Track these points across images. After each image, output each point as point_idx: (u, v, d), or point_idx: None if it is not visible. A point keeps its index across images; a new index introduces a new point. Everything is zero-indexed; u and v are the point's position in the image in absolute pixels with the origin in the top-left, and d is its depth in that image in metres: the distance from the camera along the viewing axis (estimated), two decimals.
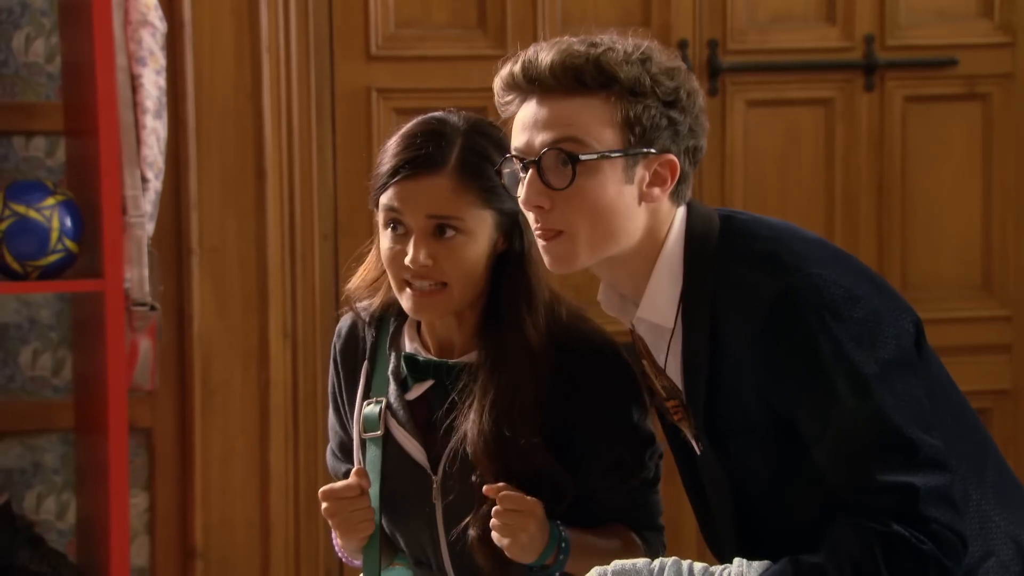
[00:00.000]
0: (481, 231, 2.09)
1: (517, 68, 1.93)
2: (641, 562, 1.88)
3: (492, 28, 3.76)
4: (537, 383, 2.08)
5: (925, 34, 3.94)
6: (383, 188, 2.10)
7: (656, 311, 1.96)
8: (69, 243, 3.31)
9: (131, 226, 3.38)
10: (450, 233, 2.07)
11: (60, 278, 3.36)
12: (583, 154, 1.89)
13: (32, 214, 3.28)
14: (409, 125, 2.14)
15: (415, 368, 2.16)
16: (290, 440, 3.69)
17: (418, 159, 2.07)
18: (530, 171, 1.92)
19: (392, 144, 2.12)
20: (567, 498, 2.09)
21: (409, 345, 2.19)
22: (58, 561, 3.49)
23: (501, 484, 2.06)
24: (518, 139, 1.95)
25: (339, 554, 2.26)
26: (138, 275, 3.33)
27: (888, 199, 3.93)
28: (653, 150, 1.91)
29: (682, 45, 3.82)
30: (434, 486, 2.15)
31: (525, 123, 1.94)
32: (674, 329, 1.95)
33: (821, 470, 1.88)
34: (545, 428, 2.09)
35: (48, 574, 3.46)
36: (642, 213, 1.94)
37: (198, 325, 3.66)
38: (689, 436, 2.00)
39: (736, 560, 1.88)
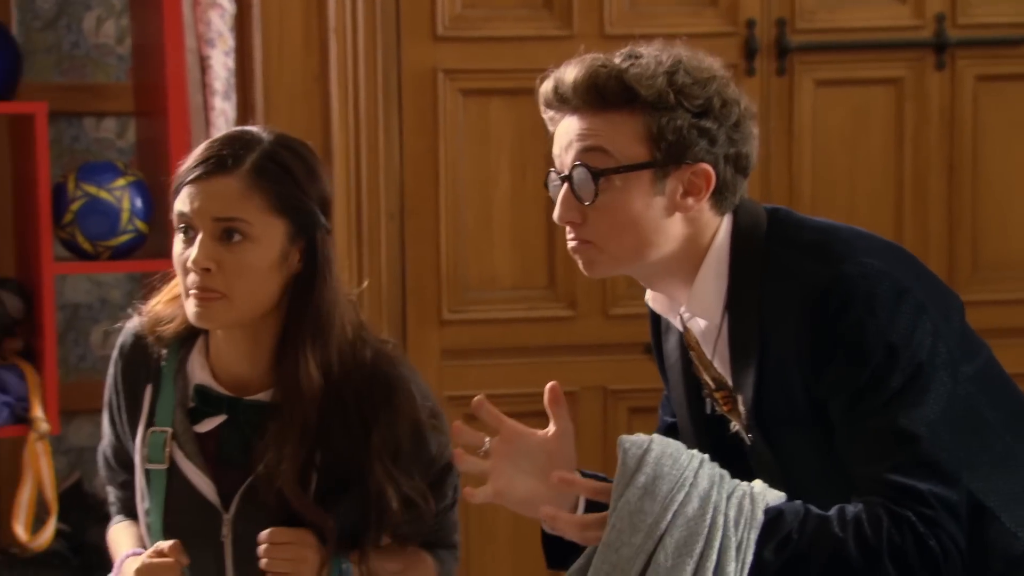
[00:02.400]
0: (269, 239, 2.03)
1: (550, 86, 1.97)
2: (682, 451, 1.88)
3: (558, 8, 3.75)
4: (327, 413, 2.04)
5: (996, 12, 3.88)
6: (176, 192, 2.07)
7: (702, 307, 1.97)
8: (139, 223, 3.34)
9: None
10: (237, 238, 2.02)
11: (130, 258, 3.39)
12: (606, 169, 1.91)
13: (103, 195, 3.31)
14: (218, 134, 2.13)
15: (206, 401, 2.10)
16: None
17: (211, 159, 2.05)
18: (564, 186, 1.95)
19: (195, 150, 2.10)
20: (362, 541, 2.07)
21: (199, 375, 2.12)
22: None
23: (269, 530, 2.02)
24: (556, 156, 1.98)
25: None
26: None
27: (959, 179, 3.89)
28: (683, 161, 1.92)
29: (750, 24, 3.80)
30: (224, 522, 2.09)
31: (559, 140, 1.97)
32: (721, 324, 1.96)
33: (841, 457, 1.89)
34: (336, 469, 2.06)
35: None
36: (676, 223, 1.95)
37: None
38: (739, 427, 2.01)
39: (757, 481, 1.90)
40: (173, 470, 2.12)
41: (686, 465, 1.86)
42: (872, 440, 1.86)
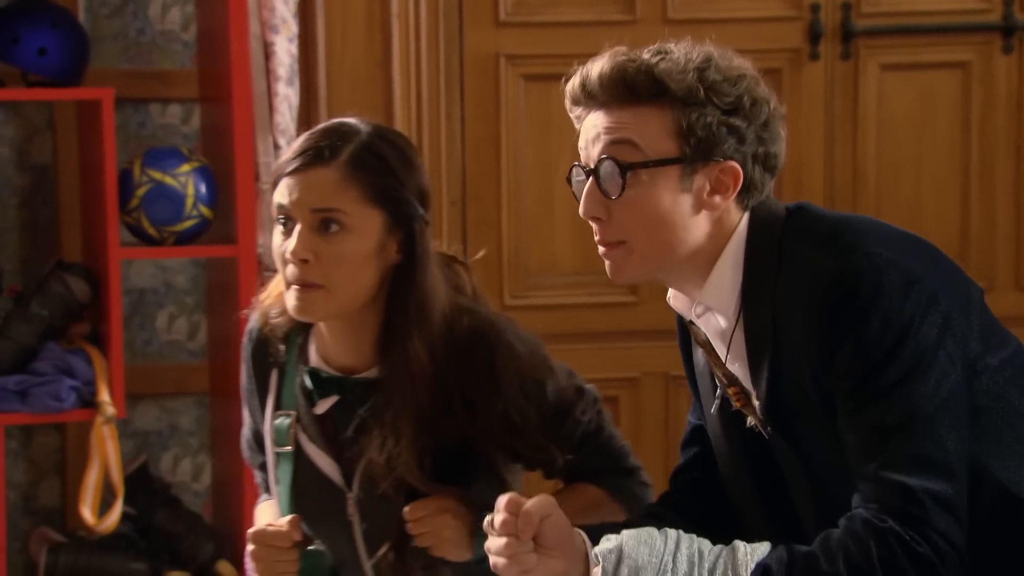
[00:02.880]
0: (367, 230, 2.04)
1: (577, 81, 1.94)
2: (655, 536, 1.86)
3: None
4: (424, 398, 2.05)
5: None
6: (275, 184, 2.08)
7: (716, 300, 1.95)
8: (204, 209, 3.36)
9: (264, 192, 3.42)
10: (334, 228, 2.03)
11: (195, 243, 3.42)
12: (634, 162, 1.89)
13: (168, 180, 3.34)
14: (317, 126, 2.13)
15: (319, 383, 2.14)
16: None
17: (310, 151, 2.05)
18: (589, 181, 1.92)
19: (294, 142, 2.10)
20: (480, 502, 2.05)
21: (314, 358, 2.15)
22: (194, 522, 3.55)
23: (408, 507, 2.04)
24: (581, 150, 1.96)
25: None
26: (271, 241, 3.37)
27: None
28: (712, 158, 1.90)
29: (814, 8, 3.77)
30: (349, 503, 2.13)
31: (586, 134, 1.93)
32: (737, 320, 1.94)
33: (845, 448, 1.86)
34: (450, 439, 2.07)
35: (184, 534, 3.52)
36: (702, 221, 1.92)
37: None
38: (755, 422, 1.99)
39: (737, 542, 1.86)
40: (299, 453, 2.16)
41: (663, 550, 1.83)
42: (867, 433, 1.83)
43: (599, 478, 2.17)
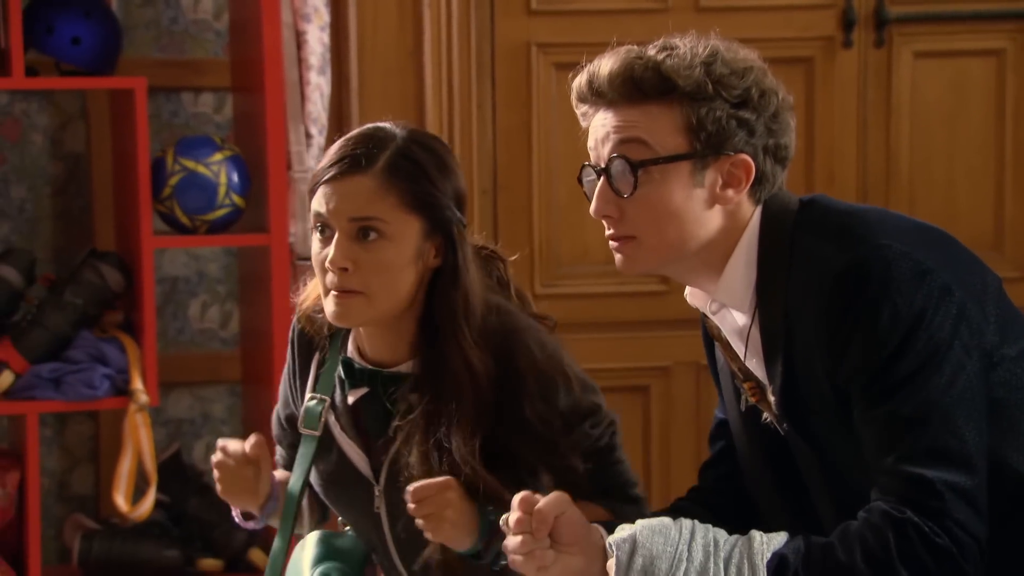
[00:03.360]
0: (405, 237, 2.05)
1: (584, 79, 1.93)
2: (670, 526, 1.85)
3: None
4: (476, 395, 2.06)
5: None
6: (312, 192, 2.08)
7: (731, 296, 1.94)
8: (236, 198, 3.37)
9: (296, 181, 3.42)
10: (373, 236, 2.04)
11: (227, 232, 3.43)
12: (645, 160, 1.89)
13: (201, 169, 3.35)
14: (352, 131, 2.13)
15: (351, 373, 2.15)
16: None
17: (346, 159, 2.05)
18: (600, 180, 1.92)
19: (330, 149, 2.11)
20: (505, 500, 2.01)
21: (350, 348, 2.17)
22: (227, 510, 3.55)
23: (412, 485, 2.03)
24: (591, 150, 1.94)
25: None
26: (303, 230, 3.38)
27: None
28: (722, 152, 1.89)
29: None
30: (376, 494, 2.14)
31: (595, 133, 1.93)
32: (753, 316, 1.93)
33: (861, 443, 1.85)
34: (480, 437, 2.06)
35: (217, 522, 3.54)
36: (715, 215, 1.92)
37: None
38: (771, 417, 1.98)
39: (754, 532, 1.85)
40: (326, 439, 2.17)
41: (678, 538, 1.83)
42: (883, 426, 1.82)
43: (602, 499, 2.14)
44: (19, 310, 3.43)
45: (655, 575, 1.81)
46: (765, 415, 1.99)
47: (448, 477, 2.04)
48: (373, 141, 2.07)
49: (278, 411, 2.30)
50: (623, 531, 1.85)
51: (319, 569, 2.19)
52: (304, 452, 2.18)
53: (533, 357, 2.09)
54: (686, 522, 1.86)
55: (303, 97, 3.46)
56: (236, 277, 3.82)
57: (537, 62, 3.70)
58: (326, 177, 2.06)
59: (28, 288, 3.45)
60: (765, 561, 1.81)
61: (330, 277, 2.06)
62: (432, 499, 2.02)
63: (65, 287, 3.41)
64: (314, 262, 2.09)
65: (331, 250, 2.05)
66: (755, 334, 1.94)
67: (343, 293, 2.05)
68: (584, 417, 2.13)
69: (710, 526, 1.87)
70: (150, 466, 3.35)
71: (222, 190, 3.35)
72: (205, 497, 3.58)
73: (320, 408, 2.16)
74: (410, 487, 2.04)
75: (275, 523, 2.23)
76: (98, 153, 3.70)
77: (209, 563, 3.51)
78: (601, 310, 3.74)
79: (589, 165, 1.94)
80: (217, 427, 3.81)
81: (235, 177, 3.36)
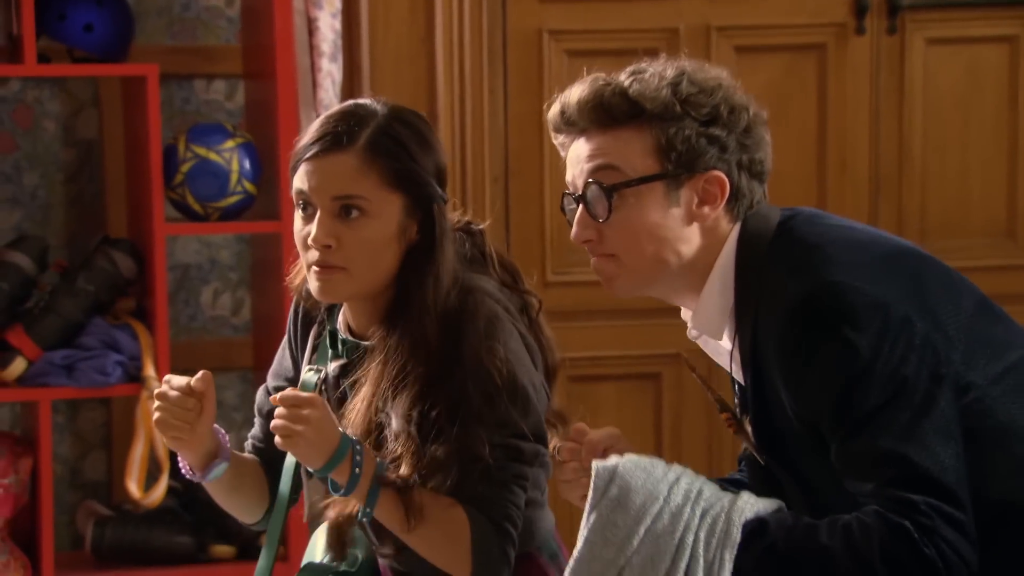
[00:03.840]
0: (387, 214, 2.06)
1: (556, 109, 1.98)
2: (657, 464, 1.84)
3: None
4: (426, 367, 2.04)
5: None
6: (294, 169, 2.08)
7: (707, 323, 1.95)
8: (248, 185, 3.37)
9: None
10: (355, 214, 2.04)
11: (239, 219, 3.43)
12: (617, 184, 1.92)
13: (212, 156, 3.35)
14: (332, 108, 2.13)
15: (334, 345, 2.16)
16: None
17: (327, 136, 2.05)
18: (579, 207, 1.96)
19: (311, 126, 2.10)
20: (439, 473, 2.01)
21: (340, 320, 2.18)
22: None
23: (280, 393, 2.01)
24: (568, 177, 1.98)
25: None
26: None
27: None
28: (695, 171, 1.91)
29: None
30: None
31: (571, 164, 1.97)
32: (733, 343, 1.93)
33: (840, 476, 1.83)
34: (420, 408, 2.04)
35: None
36: (694, 233, 1.94)
37: None
38: (749, 447, 1.98)
39: (744, 493, 1.86)
40: None
41: (661, 478, 1.83)
42: (859, 460, 1.80)
43: (470, 503, 2.03)
44: (31, 297, 3.44)
45: (628, 507, 1.80)
46: (744, 446, 1.99)
47: (314, 395, 2.01)
48: (354, 118, 2.06)
49: (267, 384, 2.30)
50: (610, 460, 1.85)
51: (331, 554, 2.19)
52: None
53: (475, 347, 2.04)
54: (676, 466, 1.86)
55: (315, 84, 3.45)
56: (248, 264, 3.82)
57: (549, 49, 3.70)
58: (308, 155, 2.06)
59: (40, 275, 3.45)
60: (744, 519, 1.80)
61: (312, 254, 2.06)
62: (291, 412, 1.99)
63: (77, 274, 3.42)
64: (296, 239, 2.10)
65: (313, 228, 2.05)
66: (735, 358, 1.95)
67: (326, 268, 2.06)
68: (502, 426, 2.04)
69: (705, 478, 1.86)
70: (162, 452, 3.36)
71: (234, 177, 3.35)
72: None
73: (315, 379, 2.16)
74: (278, 395, 2.01)
75: (221, 493, 2.19)
76: (110, 140, 3.70)
77: (222, 550, 3.52)
78: (611, 297, 3.73)
79: (568, 193, 1.98)
80: (228, 414, 3.81)
81: (247, 164, 3.36)
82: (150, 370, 3.34)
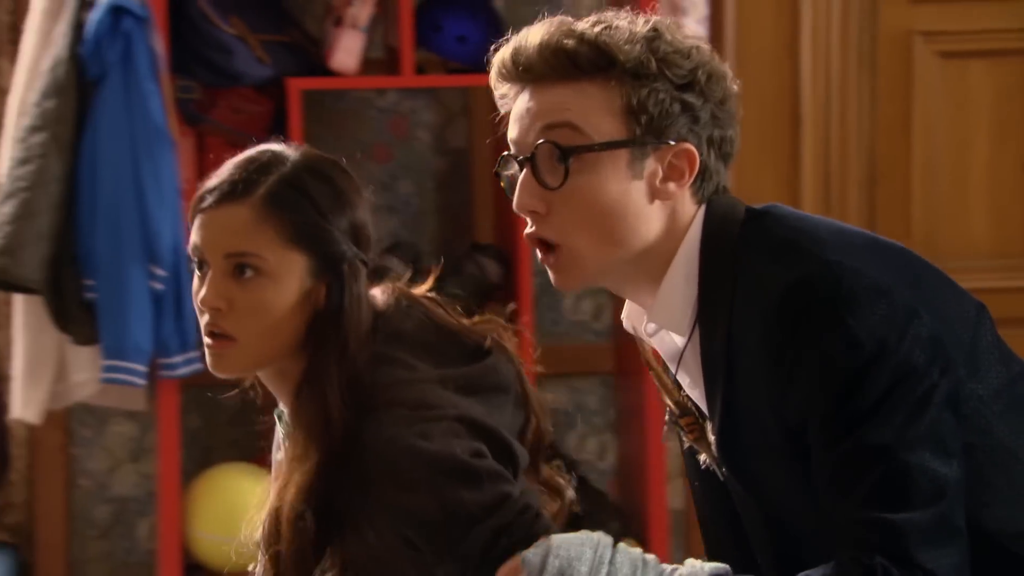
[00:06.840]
0: (288, 275, 1.78)
1: (507, 53, 1.69)
2: (591, 535, 1.65)
3: None
4: (328, 446, 1.76)
5: None
6: (192, 221, 1.83)
7: (668, 317, 1.68)
8: None
9: None
10: (249, 273, 1.78)
11: None
12: (578, 146, 1.64)
13: None
14: (240, 154, 1.86)
15: (282, 419, 1.89)
16: None
17: (223, 185, 1.80)
18: (524, 170, 1.66)
19: (216, 172, 1.85)
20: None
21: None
22: (600, 499, 3.61)
23: None
24: (512, 134, 1.69)
25: None
26: None
27: None
28: (664, 140, 1.64)
29: None
30: None
31: (518, 115, 1.67)
32: (689, 337, 1.67)
33: (817, 489, 1.60)
34: (316, 496, 1.77)
35: (590, 512, 3.59)
36: (656, 212, 1.66)
37: None
38: (708, 459, 1.74)
39: (688, 560, 1.64)
40: None
41: (597, 541, 1.62)
42: (844, 464, 1.57)
43: None
44: None
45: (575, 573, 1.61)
46: (703, 457, 1.76)
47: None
48: (256, 165, 1.81)
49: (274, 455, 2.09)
50: (537, 546, 1.65)
51: None
52: None
53: (379, 431, 1.76)
54: (605, 538, 1.65)
55: None
56: None
57: (920, 51, 3.61)
58: (202, 205, 1.82)
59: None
60: None
61: (204, 319, 1.81)
62: None
63: (448, 279, 3.52)
64: (194, 302, 1.83)
65: (204, 289, 1.80)
66: (689, 358, 1.70)
67: (215, 340, 1.80)
68: (395, 519, 1.75)
69: (643, 553, 1.65)
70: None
71: None
72: (579, 487, 3.62)
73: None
74: None
75: None
76: (479, 148, 3.80)
77: None
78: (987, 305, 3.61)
79: (510, 155, 1.69)
80: (590, 418, 3.86)
81: None
82: None
